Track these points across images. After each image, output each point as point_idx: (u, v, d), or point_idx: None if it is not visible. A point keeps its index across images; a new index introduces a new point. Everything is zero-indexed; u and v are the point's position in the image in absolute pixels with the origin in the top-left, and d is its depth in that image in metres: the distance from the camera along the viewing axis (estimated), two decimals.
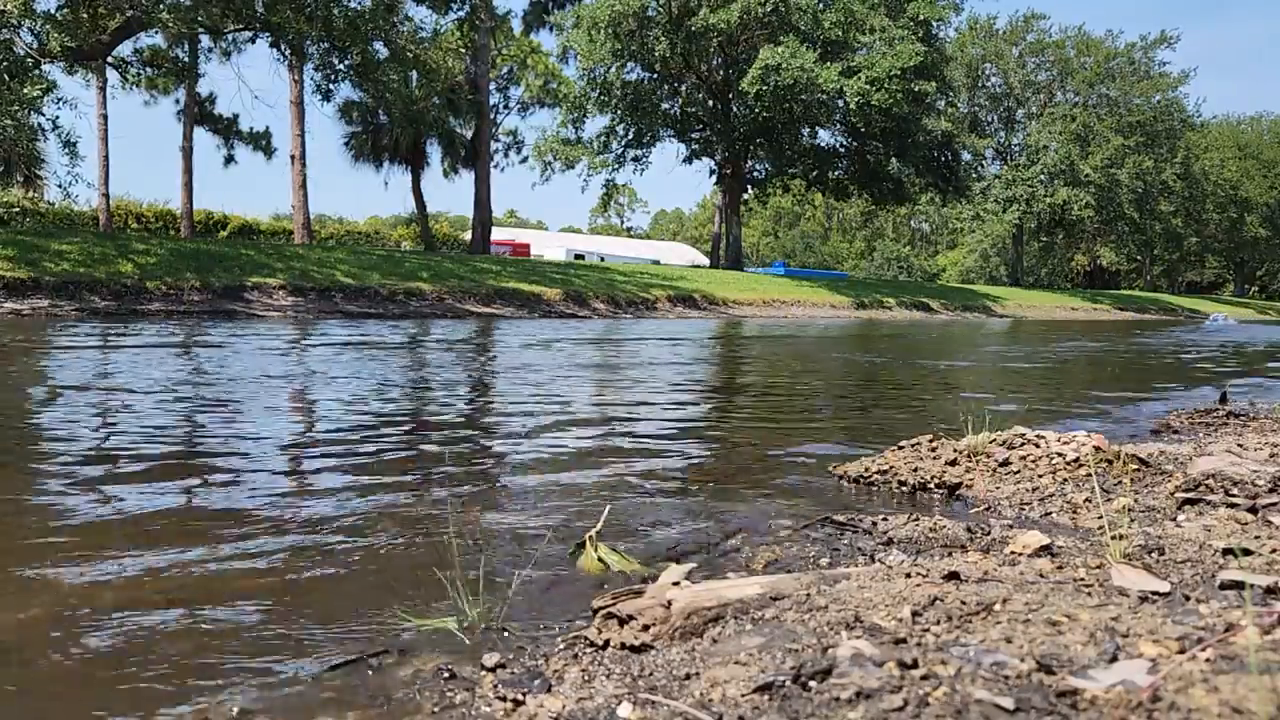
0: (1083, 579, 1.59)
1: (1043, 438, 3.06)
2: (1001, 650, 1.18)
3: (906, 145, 38.39)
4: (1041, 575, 1.65)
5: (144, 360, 7.36)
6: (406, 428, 4.27)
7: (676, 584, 1.64)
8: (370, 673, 1.49)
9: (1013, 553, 1.89)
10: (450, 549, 2.12)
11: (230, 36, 25.05)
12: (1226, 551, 1.78)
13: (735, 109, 38.65)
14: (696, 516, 2.60)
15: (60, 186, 22.47)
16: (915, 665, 1.13)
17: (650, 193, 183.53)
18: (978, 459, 3.01)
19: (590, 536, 2.13)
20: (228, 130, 34.51)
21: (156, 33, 22.45)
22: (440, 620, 1.66)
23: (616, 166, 39.84)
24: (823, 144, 41.18)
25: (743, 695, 1.16)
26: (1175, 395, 6.43)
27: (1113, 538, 1.86)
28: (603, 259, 42.92)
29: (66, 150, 18.92)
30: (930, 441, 3.25)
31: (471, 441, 3.97)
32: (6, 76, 17.01)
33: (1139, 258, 70.49)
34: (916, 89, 33.27)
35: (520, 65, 42.30)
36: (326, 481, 3.02)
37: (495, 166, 39.39)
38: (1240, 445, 3.05)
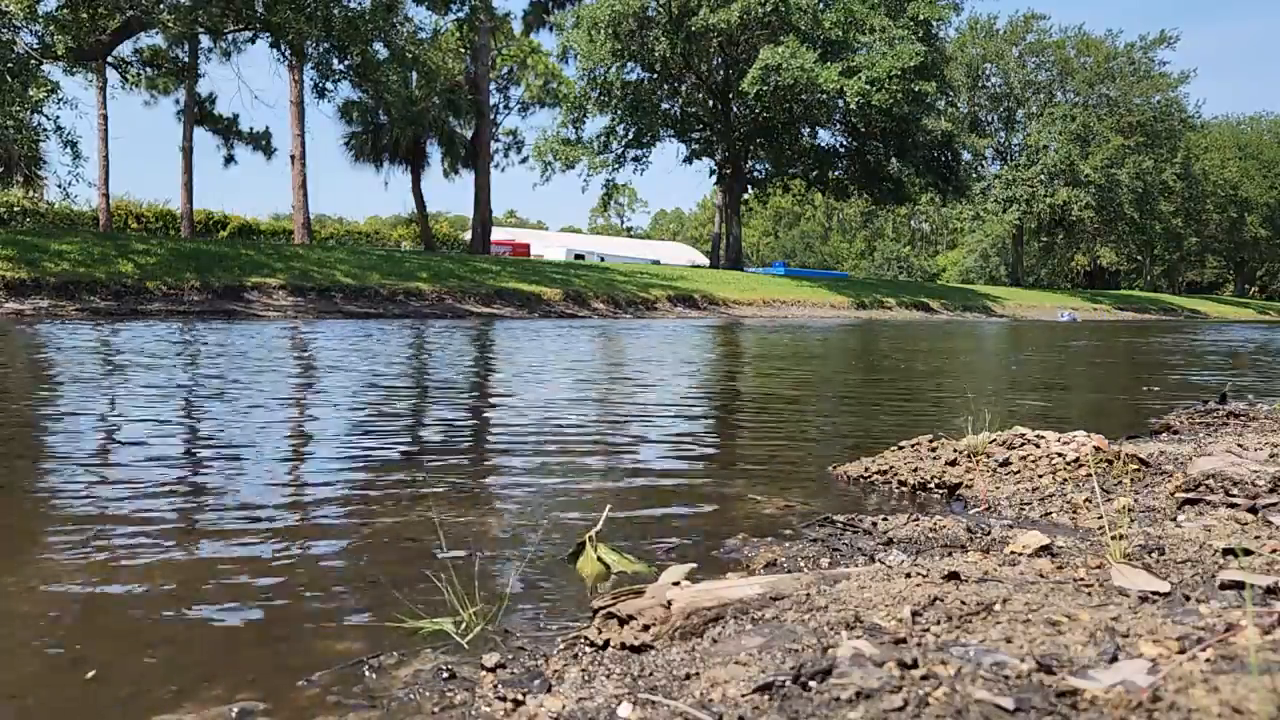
0: (1083, 579, 1.59)
1: (1043, 438, 3.06)
2: (1001, 650, 1.18)
3: (906, 145, 38.41)
4: (1041, 575, 1.65)
5: (141, 358, 7.36)
6: (404, 427, 4.27)
7: (676, 584, 1.64)
8: (370, 673, 1.49)
9: (1013, 553, 1.89)
10: (447, 549, 2.12)
11: (230, 36, 25.06)
12: (1227, 551, 1.78)
13: (735, 109, 38.66)
14: (696, 516, 2.60)
15: (61, 187, 22.47)
16: (915, 665, 1.13)
17: (650, 193, 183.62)
18: (978, 459, 3.01)
19: (590, 536, 2.13)
20: (228, 130, 34.52)
21: (157, 33, 22.46)
22: (438, 621, 1.66)
23: (616, 166, 39.86)
24: (823, 144, 41.20)
25: (743, 695, 1.16)
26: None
27: (1113, 538, 1.86)
28: (603, 259, 42.92)
29: (69, 151, 18.95)
30: (930, 442, 3.25)
31: (470, 441, 3.97)
32: (9, 77, 17.02)
33: (1139, 258, 70.49)
34: (916, 89, 33.26)
35: (520, 65, 42.31)
36: (324, 482, 3.02)
37: (495, 166, 39.43)
38: (1240, 445, 3.05)
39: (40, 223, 31.74)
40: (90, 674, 1.49)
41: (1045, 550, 1.88)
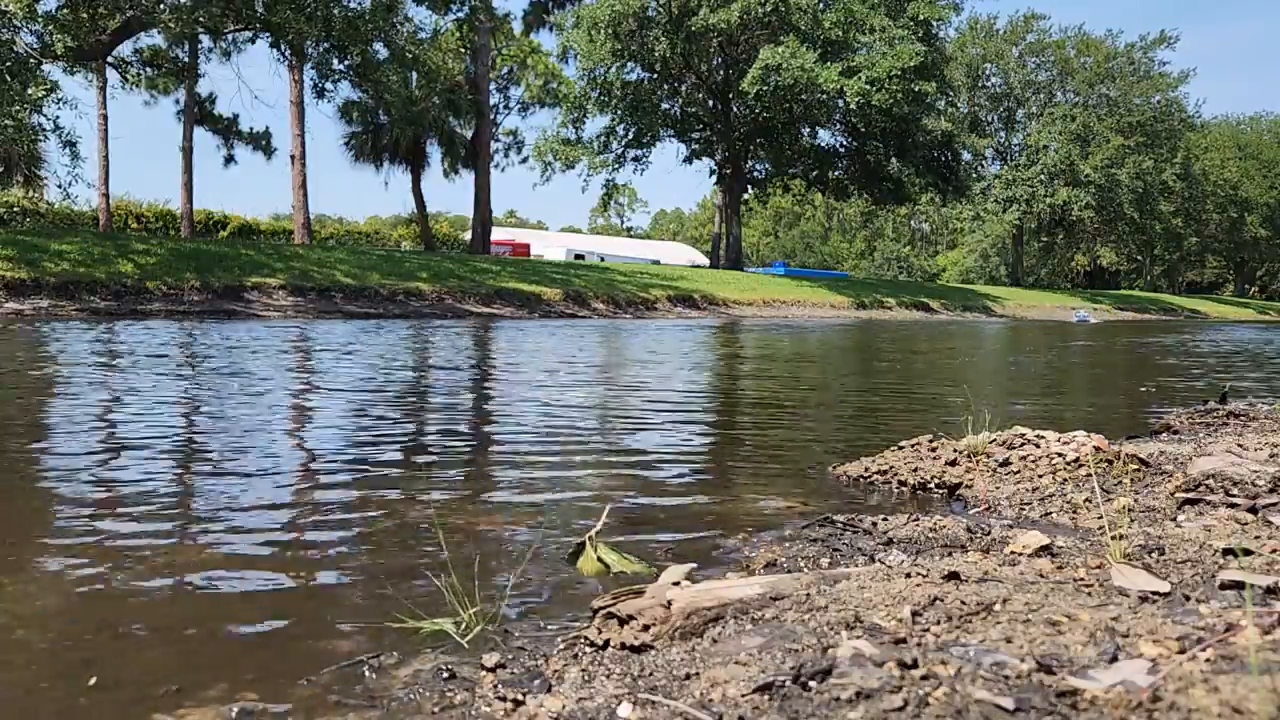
0: (1083, 579, 1.59)
1: (1043, 438, 3.06)
2: (1001, 650, 1.18)
3: (906, 145, 38.41)
4: (1041, 575, 1.65)
5: (141, 358, 7.36)
6: (404, 428, 4.27)
7: (676, 584, 1.64)
8: (370, 673, 1.49)
9: (1013, 553, 1.89)
10: (447, 550, 2.12)
11: (230, 36, 25.06)
12: (1227, 551, 1.78)
13: (735, 109, 38.66)
14: (696, 516, 2.60)
15: (60, 187, 22.50)
16: (915, 665, 1.13)
17: (650, 193, 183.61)
18: (978, 459, 3.01)
19: (590, 537, 2.13)
20: (228, 130, 34.52)
21: (157, 33, 22.46)
22: (438, 621, 1.66)
23: (616, 166, 39.87)
24: (823, 144, 41.21)
25: (743, 695, 1.16)
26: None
27: (1113, 538, 1.86)
28: (603, 259, 42.90)
29: (67, 150, 18.96)
30: (930, 442, 3.25)
31: (470, 442, 3.97)
32: (8, 76, 17.03)
33: (1139, 258, 70.50)
34: (916, 89, 33.26)
35: (520, 65, 42.30)
36: (323, 482, 3.02)
37: (495, 166, 39.41)
38: (1240, 445, 3.05)
39: (40, 223, 31.76)
40: (91, 675, 1.49)
41: (1045, 550, 1.88)
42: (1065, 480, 2.72)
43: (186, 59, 28.21)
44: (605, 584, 1.95)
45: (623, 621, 1.53)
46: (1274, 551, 1.73)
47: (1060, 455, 2.89)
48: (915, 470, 3.01)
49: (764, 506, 2.72)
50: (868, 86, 32.46)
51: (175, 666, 1.52)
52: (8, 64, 17.17)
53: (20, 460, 3.28)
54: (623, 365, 8.52)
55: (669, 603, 1.54)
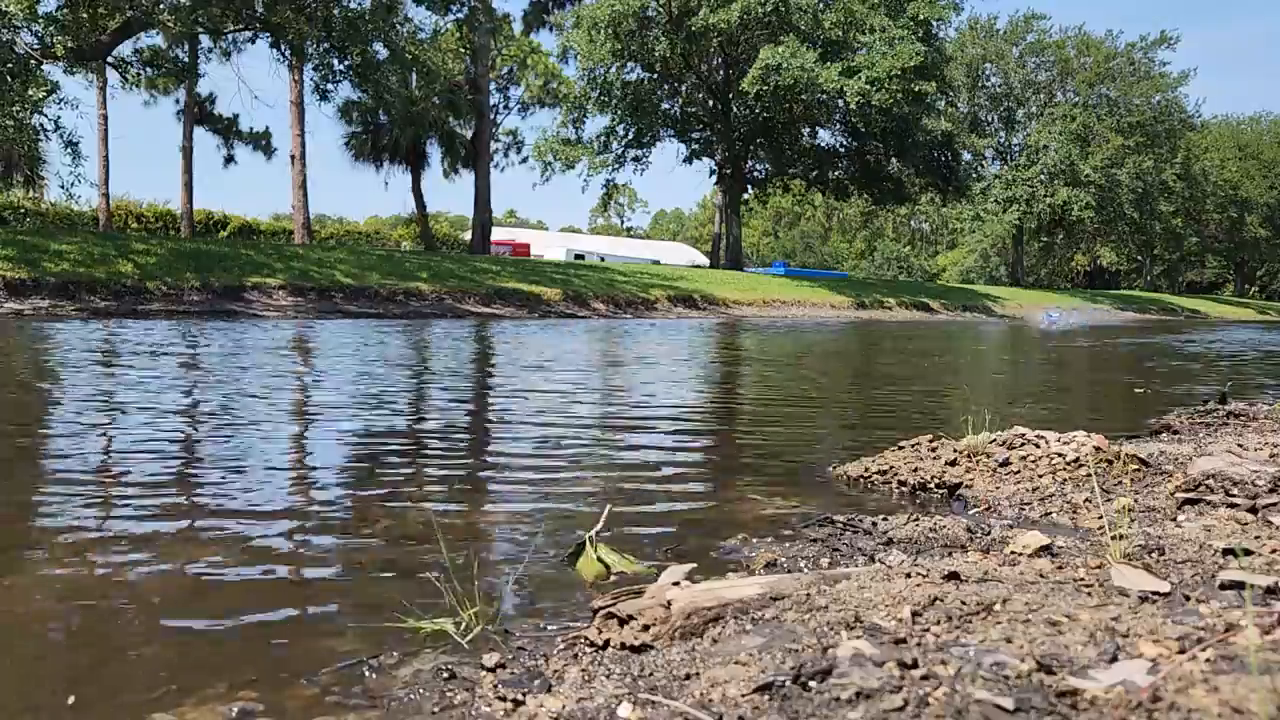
0: (1083, 579, 1.59)
1: (1043, 438, 3.06)
2: (1001, 650, 1.18)
3: (906, 145, 38.36)
4: (1041, 575, 1.65)
5: (140, 358, 7.36)
6: (403, 428, 4.27)
7: (676, 584, 1.64)
8: (370, 673, 1.49)
9: (1013, 553, 1.89)
10: (447, 550, 2.12)
11: (230, 36, 25.05)
12: (1227, 551, 1.78)
13: (735, 109, 38.64)
14: (697, 517, 2.60)
15: (63, 187, 22.52)
16: (915, 665, 1.13)
17: (650, 193, 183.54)
18: (978, 459, 3.01)
19: (590, 537, 2.13)
20: (228, 130, 34.56)
21: (157, 33, 22.46)
22: (438, 621, 1.66)
23: (616, 166, 39.82)
24: (823, 144, 41.17)
25: (743, 695, 1.16)
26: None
27: (1113, 538, 1.86)
28: (603, 259, 42.85)
29: (69, 151, 18.97)
30: (930, 442, 3.25)
31: (470, 442, 3.97)
32: (8, 77, 17.03)
33: (1139, 258, 70.46)
34: (916, 89, 33.23)
35: (520, 65, 42.32)
36: (322, 483, 3.02)
37: (495, 166, 39.44)
38: (1240, 445, 3.05)
39: (40, 223, 31.76)
40: (92, 675, 1.49)
41: (1045, 550, 1.88)
42: (1065, 480, 2.72)
43: (186, 59, 28.20)
44: (605, 584, 1.95)
45: (623, 621, 1.53)
46: (1274, 551, 1.73)
47: (1060, 455, 2.88)
48: (915, 470, 3.01)
49: (764, 506, 2.72)
50: (868, 86, 32.43)
51: (175, 666, 1.52)
52: (8, 64, 17.18)
53: (18, 459, 3.28)
54: (622, 365, 8.52)
55: (669, 603, 1.53)
